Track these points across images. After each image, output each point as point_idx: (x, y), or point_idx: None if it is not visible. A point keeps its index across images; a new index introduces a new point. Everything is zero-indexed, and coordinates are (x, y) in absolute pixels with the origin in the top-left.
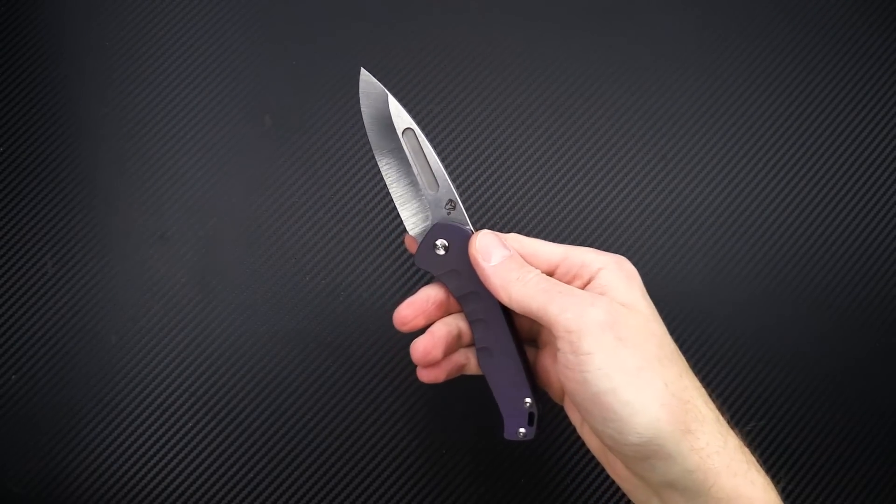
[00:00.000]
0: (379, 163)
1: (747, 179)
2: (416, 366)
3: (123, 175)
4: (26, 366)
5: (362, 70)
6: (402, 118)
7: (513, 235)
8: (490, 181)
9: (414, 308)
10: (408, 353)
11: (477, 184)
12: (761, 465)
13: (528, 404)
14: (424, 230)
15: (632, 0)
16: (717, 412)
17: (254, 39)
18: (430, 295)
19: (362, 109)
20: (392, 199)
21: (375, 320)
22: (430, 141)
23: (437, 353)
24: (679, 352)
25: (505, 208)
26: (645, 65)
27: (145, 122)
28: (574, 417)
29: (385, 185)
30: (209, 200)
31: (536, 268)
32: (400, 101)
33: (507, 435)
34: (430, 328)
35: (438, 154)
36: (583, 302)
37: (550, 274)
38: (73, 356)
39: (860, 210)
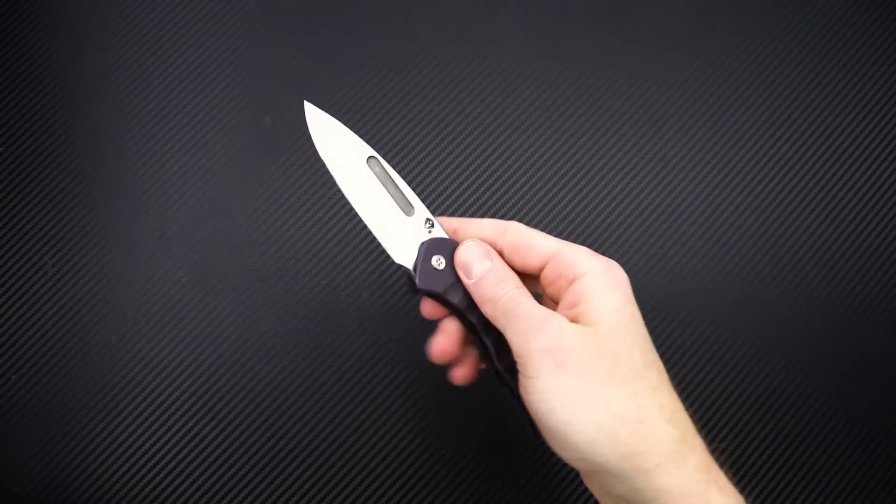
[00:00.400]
0: (347, 195)
1: (747, 179)
2: (416, 366)
3: (123, 175)
4: (26, 366)
5: (306, 104)
6: (361, 147)
7: (513, 225)
8: (490, 181)
9: (448, 338)
10: (408, 353)
11: (477, 184)
12: (731, 482)
13: None
14: (410, 256)
15: (631, 2)
16: (684, 429)
17: (254, 39)
18: (453, 325)
19: (317, 146)
20: (370, 231)
21: (375, 320)
22: (431, 141)
23: (455, 348)
24: (652, 367)
25: (505, 208)
26: (645, 65)
27: (145, 122)
28: None
29: (358, 217)
30: (209, 200)
31: (531, 261)
32: (398, 101)
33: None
34: (441, 325)
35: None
36: (530, 328)
37: (542, 269)
38: (73, 356)
39: (861, 210)
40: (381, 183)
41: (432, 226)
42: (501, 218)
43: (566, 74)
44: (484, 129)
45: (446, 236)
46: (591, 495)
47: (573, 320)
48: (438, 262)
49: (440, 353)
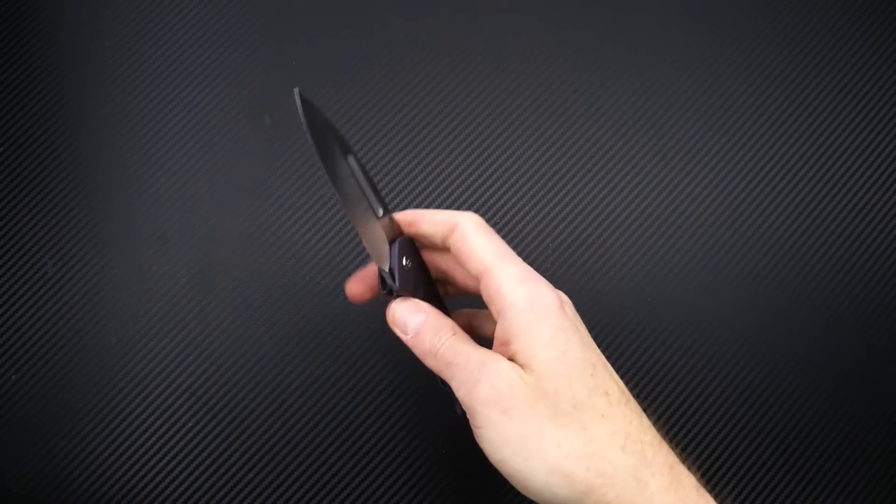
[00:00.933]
0: (341, 198)
1: (747, 179)
2: (416, 366)
3: (123, 175)
4: (26, 366)
5: (296, 91)
6: (343, 143)
7: (463, 220)
8: (490, 181)
9: (365, 284)
10: (408, 353)
11: (477, 184)
12: (703, 489)
13: None
14: (387, 256)
15: (631, 1)
16: (640, 452)
17: (254, 39)
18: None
19: (310, 135)
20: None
21: (375, 320)
22: (431, 141)
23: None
24: (597, 392)
25: (505, 208)
26: (645, 64)
27: (145, 122)
28: None
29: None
30: (209, 200)
31: (470, 269)
32: (399, 101)
33: None
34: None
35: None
36: (471, 377)
37: (478, 282)
38: (73, 356)
39: (861, 210)
40: (359, 177)
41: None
42: (501, 218)
43: (566, 74)
44: (484, 128)
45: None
46: None
47: (510, 359)
48: (407, 263)
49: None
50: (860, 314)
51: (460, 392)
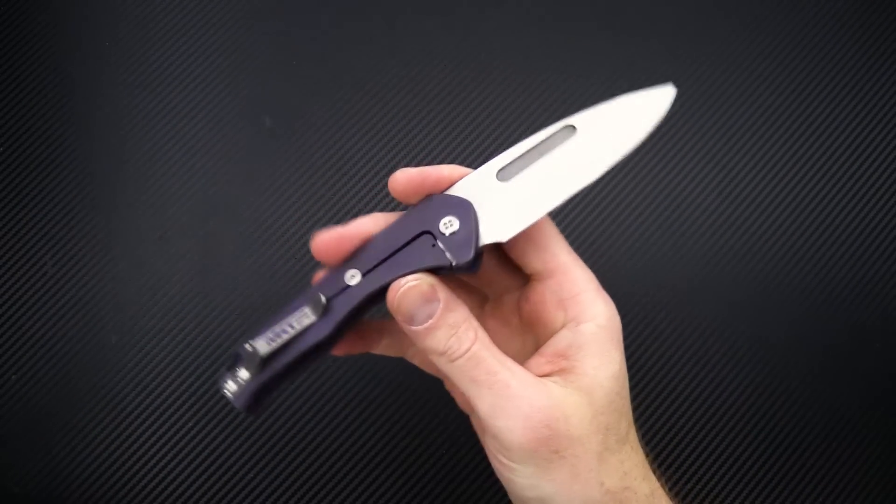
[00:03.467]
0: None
1: (747, 179)
2: (416, 366)
3: (123, 175)
4: (26, 366)
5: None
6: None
7: (546, 219)
8: None
9: (341, 240)
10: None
11: None
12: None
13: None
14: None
15: (631, 1)
16: (654, 480)
17: (254, 39)
18: (364, 228)
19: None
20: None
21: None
22: (432, 141)
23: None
24: (627, 418)
25: None
26: (643, 64)
27: (145, 122)
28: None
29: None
30: (209, 200)
31: (530, 260)
32: (398, 101)
33: None
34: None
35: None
36: (516, 411)
37: (542, 278)
38: (74, 356)
39: (861, 210)
40: None
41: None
42: None
43: (566, 74)
44: (485, 129)
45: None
46: None
47: (555, 372)
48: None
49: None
50: (861, 314)
51: (496, 423)
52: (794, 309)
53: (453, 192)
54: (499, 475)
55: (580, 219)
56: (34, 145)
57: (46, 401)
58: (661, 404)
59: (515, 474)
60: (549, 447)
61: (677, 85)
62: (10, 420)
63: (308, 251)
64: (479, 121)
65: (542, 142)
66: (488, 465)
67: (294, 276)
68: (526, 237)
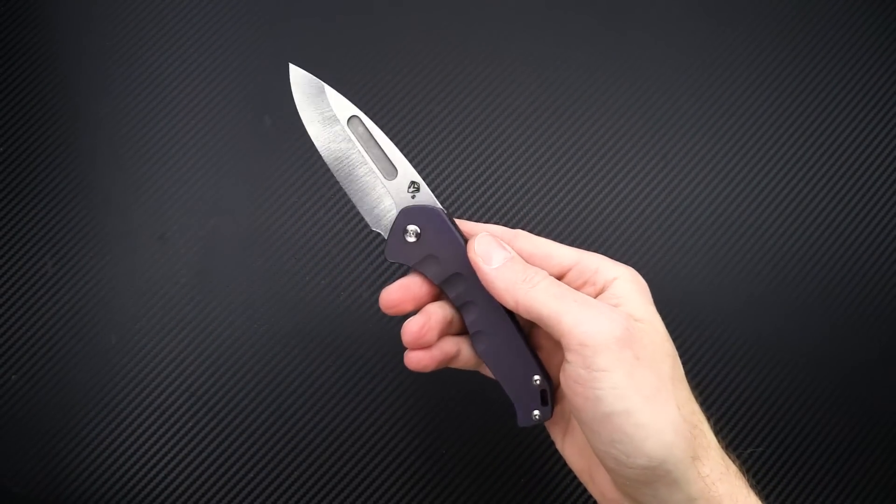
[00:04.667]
0: (326, 161)
1: (747, 179)
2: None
3: (123, 175)
4: (26, 366)
5: (291, 66)
6: (344, 107)
7: (522, 234)
8: (490, 181)
9: (403, 291)
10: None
11: (477, 184)
12: (756, 490)
13: (537, 382)
14: (390, 222)
15: (632, 1)
16: (716, 437)
17: (254, 39)
18: (419, 280)
19: (298, 107)
20: (348, 198)
21: (375, 320)
22: (432, 141)
23: (432, 334)
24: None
25: (505, 208)
26: (645, 65)
27: (145, 122)
28: (555, 432)
29: (338, 185)
30: (209, 200)
31: (547, 270)
32: (399, 101)
33: (522, 422)
34: (425, 308)
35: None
36: (601, 315)
37: (560, 277)
38: (73, 356)
39: (861, 210)
40: (361, 144)
41: (417, 189)
42: (501, 218)
43: (567, 75)
44: (485, 129)
45: (430, 203)
46: (590, 495)
47: None
48: (413, 233)
49: (416, 335)
50: (861, 314)
51: (581, 328)
52: (794, 309)
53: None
54: (582, 400)
55: (580, 219)
56: (34, 145)
57: (46, 401)
58: None
59: (603, 383)
60: (633, 350)
61: (678, 83)
62: (10, 420)
63: (308, 251)
64: (481, 120)
65: None
66: (488, 466)
67: (294, 276)
68: (527, 258)
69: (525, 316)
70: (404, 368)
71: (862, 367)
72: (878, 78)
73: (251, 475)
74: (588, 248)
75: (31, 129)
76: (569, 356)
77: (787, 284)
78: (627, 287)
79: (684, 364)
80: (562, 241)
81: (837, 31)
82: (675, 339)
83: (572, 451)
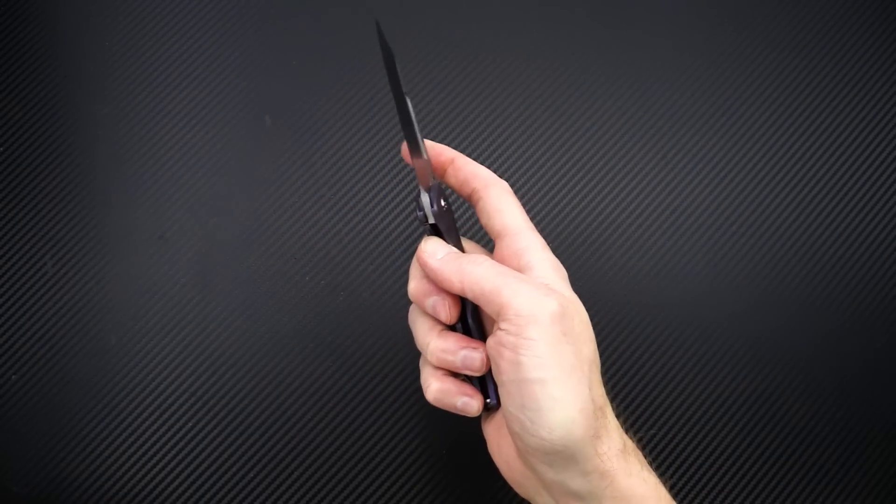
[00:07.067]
0: (407, 99)
1: (748, 180)
2: (416, 367)
3: (123, 175)
4: (26, 366)
5: (377, 23)
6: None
7: (495, 188)
8: None
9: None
10: (408, 353)
11: None
12: (651, 466)
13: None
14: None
15: (632, 1)
16: (616, 419)
17: (253, 39)
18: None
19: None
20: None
21: (375, 320)
22: (432, 140)
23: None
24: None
25: None
26: (645, 64)
27: (145, 122)
28: (489, 436)
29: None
30: (209, 200)
31: (493, 224)
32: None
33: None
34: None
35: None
36: (538, 291)
37: (501, 238)
38: (73, 356)
39: (861, 210)
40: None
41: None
42: None
43: (566, 74)
44: (484, 128)
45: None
46: None
47: None
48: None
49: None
50: (862, 315)
51: (518, 299)
52: (794, 310)
53: None
54: (506, 363)
55: (580, 219)
56: (34, 145)
57: (46, 401)
58: (659, 407)
59: (529, 351)
60: (562, 327)
61: (679, 83)
62: (10, 420)
63: (307, 251)
64: (481, 119)
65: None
66: (489, 466)
67: (294, 276)
68: (484, 204)
69: (469, 296)
70: (404, 368)
71: (862, 367)
72: (879, 78)
73: (251, 475)
74: (588, 248)
75: (31, 129)
76: (502, 325)
77: (788, 284)
78: (552, 273)
79: (685, 364)
80: (562, 241)
81: (838, 30)
82: (675, 339)
83: (488, 423)
